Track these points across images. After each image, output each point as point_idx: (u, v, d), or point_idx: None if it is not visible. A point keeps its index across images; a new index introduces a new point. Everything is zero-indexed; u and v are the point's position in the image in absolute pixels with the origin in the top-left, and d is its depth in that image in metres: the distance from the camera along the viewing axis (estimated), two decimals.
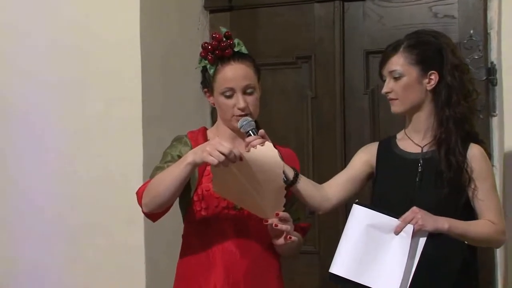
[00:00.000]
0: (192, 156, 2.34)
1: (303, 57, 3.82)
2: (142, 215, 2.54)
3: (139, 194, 2.49)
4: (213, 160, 2.28)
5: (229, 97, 2.49)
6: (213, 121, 2.69)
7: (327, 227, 3.63)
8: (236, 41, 2.51)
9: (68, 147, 3.63)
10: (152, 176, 2.50)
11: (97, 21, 3.59)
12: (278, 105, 3.82)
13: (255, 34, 3.83)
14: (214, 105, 2.57)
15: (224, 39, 2.49)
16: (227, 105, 2.49)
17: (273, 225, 2.41)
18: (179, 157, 2.46)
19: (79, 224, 3.61)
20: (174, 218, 2.59)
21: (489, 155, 2.68)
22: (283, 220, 2.41)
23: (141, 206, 2.49)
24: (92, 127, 3.60)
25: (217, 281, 2.47)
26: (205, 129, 2.63)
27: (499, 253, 3.31)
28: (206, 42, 2.52)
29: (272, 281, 2.56)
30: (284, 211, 2.42)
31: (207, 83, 2.54)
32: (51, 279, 3.67)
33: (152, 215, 2.52)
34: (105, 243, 3.56)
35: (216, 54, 2.49)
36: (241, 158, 2.32)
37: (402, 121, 2.70)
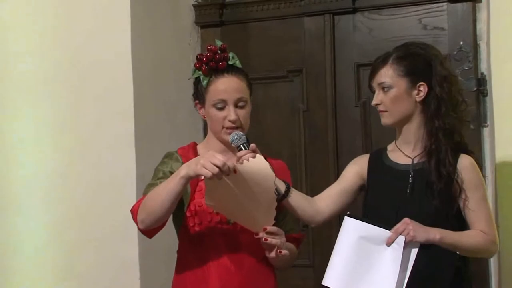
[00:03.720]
0: (185, 169, 2.34)
1: (294, 71, 3.84)
2: (136, 229, 2.54)
3: (134, 212, 2.48)
4: (207, 172, 2.28)
5: (221, 109, 2.49)
6: (205, 135, 2.70)
7: (321, 239, 3.64)
8: (231, 54, 2.52)
9: (61, 162, 3.64)
10: (145, 193, 2.49)
11: (88, 37, 3.60)
12: (270, 119, 3.84)
13: (246, 48, 3.85)
14: (204, 117, 2.57)
15: (219, 51, 2.50)
16: (218, 117, 2.49)
17: (263, 239, 2.41)
18: (171, 173, 2.45)
19: (73, 239, 3.61)
20: (168, 233, 2.59)
21: (480, 165, 2.68)
22: (272, 234, 2.41)
23: (136, 223, 2.49)
24: (85, 142, 3.60)
25: None
26: (195, 144, 2.63)
27: (492, 263, 3.31)
28: (201, 54, 2.52)
29: None
30: (276, 223, 2.43)
31: (199, 95, 2.55)
32: None
33: (148, 232, 2.51)
34: (99, 258, 3.56)
35: (211, 65, 2.49)
36: (235, 170, 2.32)
37: (394, 132, 2.70)
